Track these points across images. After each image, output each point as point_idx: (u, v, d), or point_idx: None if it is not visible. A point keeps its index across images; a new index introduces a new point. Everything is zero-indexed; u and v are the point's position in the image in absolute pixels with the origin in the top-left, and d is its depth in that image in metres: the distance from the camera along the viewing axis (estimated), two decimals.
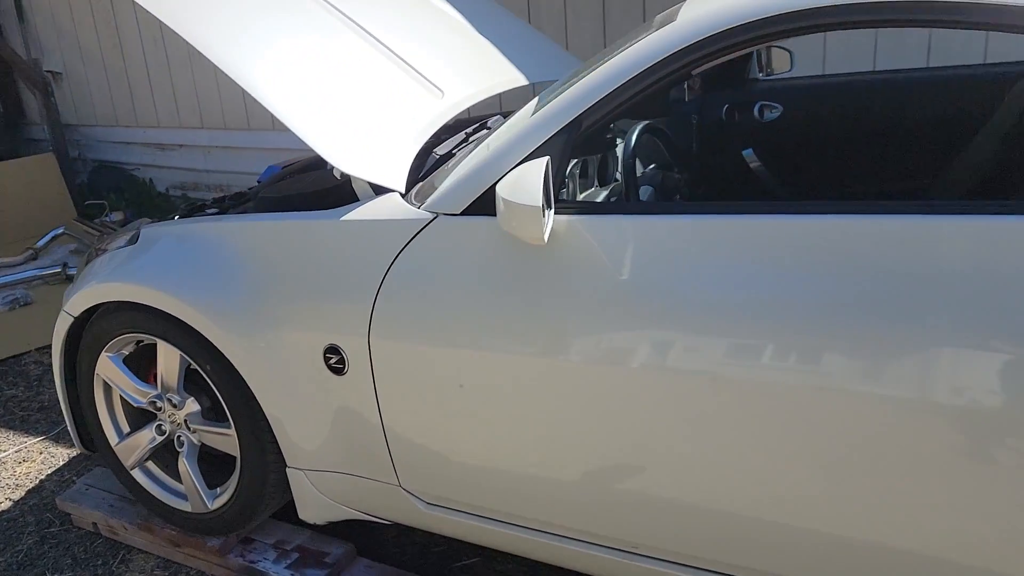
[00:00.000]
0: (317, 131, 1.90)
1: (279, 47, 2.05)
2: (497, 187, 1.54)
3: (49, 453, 3.06)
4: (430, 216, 1.75)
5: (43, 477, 2.92)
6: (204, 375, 2.09)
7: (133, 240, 2.24)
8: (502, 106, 4.05)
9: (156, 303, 2.04)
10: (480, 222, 1.68)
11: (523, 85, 2.62)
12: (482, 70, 2.54)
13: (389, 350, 1.79)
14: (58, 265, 4.81)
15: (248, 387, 2.03)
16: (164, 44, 5.92)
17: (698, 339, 1.45)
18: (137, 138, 6.42)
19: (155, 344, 2.17)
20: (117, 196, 6.30)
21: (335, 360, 1.88)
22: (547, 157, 1.55)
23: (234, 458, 2.16)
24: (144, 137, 6.38)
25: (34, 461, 3.02)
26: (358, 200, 1.92)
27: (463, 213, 1.71)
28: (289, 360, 1.94)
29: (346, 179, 2.12)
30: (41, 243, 5.28)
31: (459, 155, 2.14)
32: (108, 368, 2.27)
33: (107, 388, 2.34)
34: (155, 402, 2.26)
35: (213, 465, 2.30)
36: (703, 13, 1.53)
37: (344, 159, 1.88)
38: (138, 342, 2.25)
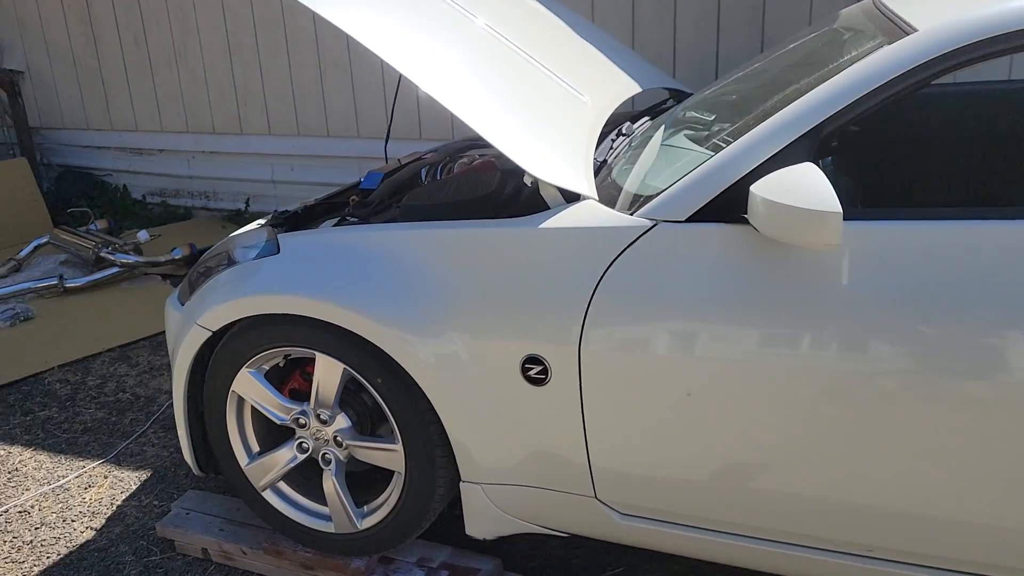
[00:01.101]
0: (508, 139, 1.87)
1: (455, 59, 2.01)
2: (758, 191, 1.54)
3: (115, 477, 2.88)
4: (648, 223, 1.74)
5: (119, 503, 2.74)
6: (373, 389, 2.01)
7: (270, 250, 2.14)
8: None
9: (325, 315, 1.96)
10: (711, 229, 1.69)
11: (637, 92, 2.64)
12: (605, 78, 2.54)
13: (603, 360, 1.77)
14: (53, 277, 4.53)
15: (423, 400, 1.97)
16: (146, 44, 5.66)
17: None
18: (111, 142, 6.10)
19: (294, 359, 2.08)
20: (87, 203, 5.97)
21: (536, 371, 1.84)
22: (808, 162, 1.56)
23: (379, 475, 2.08)
24: (119, 141, 6.06)
25: (101, 486, 2.83)
26: (547, 208, 1.89)
27: (688, 220, 1.71)
28: (480, 372, 1.89)
29: (505, 185, 2.09)
30: (23, 253, 4.96)
31: (613, 161, 2.13)
32: (248, 385, 2.16)
33: (239, 406, 2.23)
34: (298, 419, 2.16)
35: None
36: (957, 21, 1.56)
37: (538, 166, 1.86)
38: (286, 356, 2.15)
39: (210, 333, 2.14)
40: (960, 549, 1.62)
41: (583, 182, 1.91)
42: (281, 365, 2.20)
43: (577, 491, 1.92)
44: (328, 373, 2.06)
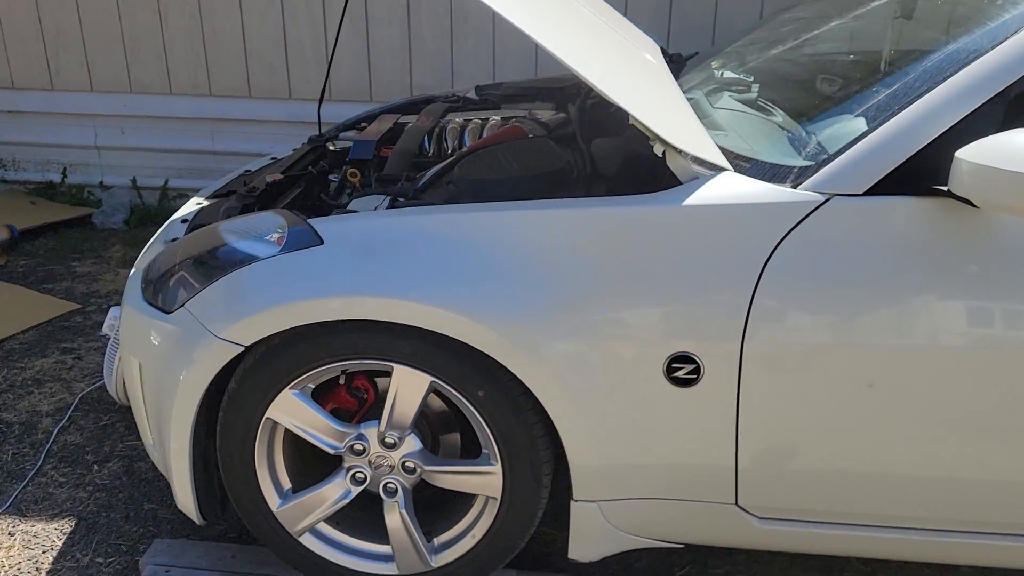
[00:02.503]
0: (638, 106, 1.60)
1: (580, 37, 1.70)
2: (975, 158, 1.40)
3: (25, 533, 2.23)
4: (819, 197, 1.56)
5: (48, 567, 2.12)
6: (470, 404, 1.66)
7: (304, 241, 1.69)
8: None
9: (413, 319, 1.58)
10: (898, 202, 1.53)
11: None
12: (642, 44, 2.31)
13: (770, 354, 1.57)
14: None
15: (531, 413, 1.66)
16: None
17: None
18: None
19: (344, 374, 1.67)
20: None
21: (686, 370, 1.60)
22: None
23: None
24: None
25: (11, 547, 2.18)
26: (679, 183, 1.64)
27: (866, 193, 1.55)
28: (613, 376, 1.62)
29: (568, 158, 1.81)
30: None
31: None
32: (291, 409, 1.71)
33: (271, 436, 1.77)
34: (354, 445, 1.75)
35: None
36: None
37: (675, 135, 1.61)
38: (344, 371, 1.72)
39: (242, 348, 1.66)
40: None
41: (716, 152, 1.68)
42: (341, 382, 1.77)
43: (716, 499, 1.72)
44: (409, 388, 1.67)
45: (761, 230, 1.56)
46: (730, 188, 1.60)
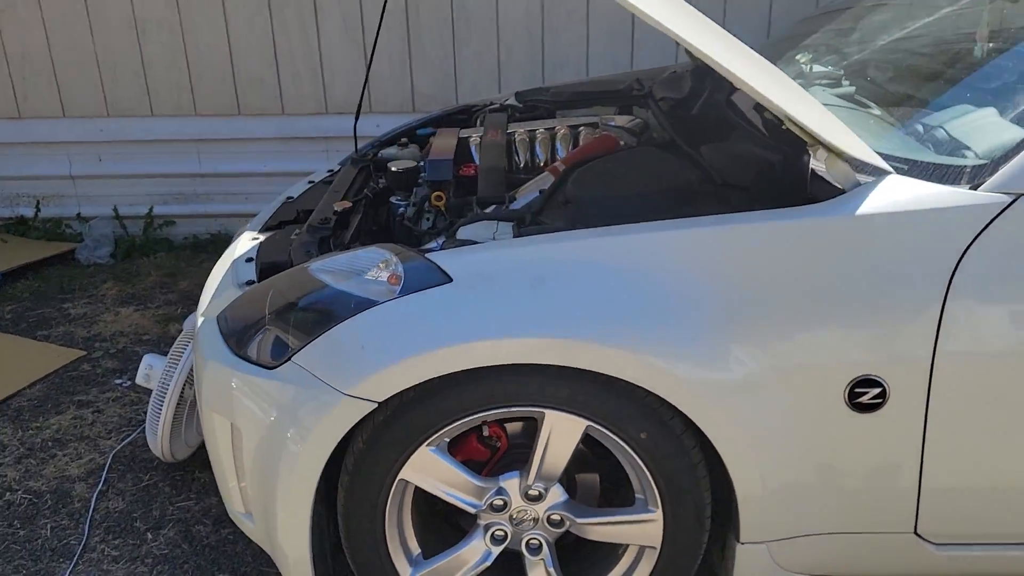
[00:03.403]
0: (800, 112, 1.46)
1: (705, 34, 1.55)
2: None
3: None
4: (1005, 199, 1.44)
5: None
6: (629, 447, 1.50)
7: (427, 279, 1.50)
8: None
9: (573, 359, 1.41)
10: None
11: None
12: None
13: (961, 370, 1.45)
14: None
15: (695, 452, 1.51)
16: None
17: None
18: None
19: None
20: None
21: (871, 395, 1.47)
22: None
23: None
24: None
25: None
26: (841, 191, 1.51)
27: None
28: (788, 406, 1.48)
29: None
30: None
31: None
32: (429, 467, 1.52)
33: (402, 497, 1.57)
34: (493, 500, 1.57)
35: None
36: None
37: (851, 145, 1.48)
38: (484, 422, 1.54)
39: (375, 405, 1.46)
40: None
41: (873, 154, 1.55)
42: (486, 434, 1.58)
43: (896, 529, 1.59)
44: (562, 435, 1.50)
45: (947, 237, 1.44)
46: (905, 193, 1.47)
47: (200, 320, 1.82)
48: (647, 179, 1.69)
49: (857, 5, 2.43)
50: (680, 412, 1.49)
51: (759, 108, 1.87)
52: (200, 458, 2.44)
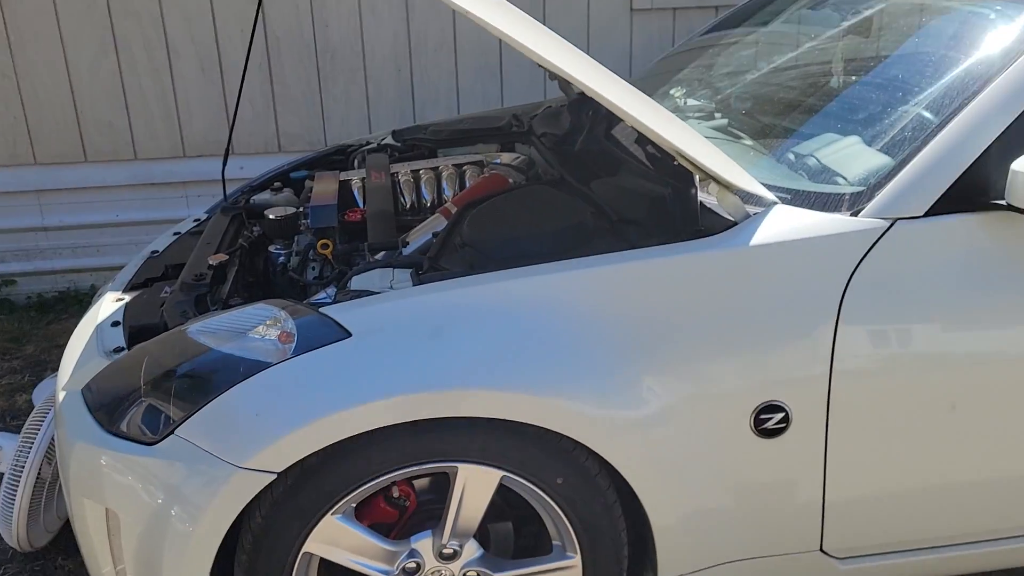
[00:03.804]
0: (690, 146, 1.49)
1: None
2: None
3: None
4: (883, 223, 1.51)
5: None
6: (545, 494, 1.46)
7: (322, 335, 1.41)
8: None
9: (485, 409, 1.36)
10: (959, 221, 1.51)
11: None
12: None
13: (855, 389, 1.50)
14: None
15: (610, 492, 1.49)
16: None
17: None
18: None
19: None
20: None
21: (775, 420, 1.49)
22: None
23: None
24: None
25: None
26: (733, 222, 1.54)
27: (926, 215, 1.52)
28: (698, 437, 1.48)
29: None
30: None
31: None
32: (336, 536, 1.42)
33: (306, 574, 1.46)
34: (406, 564, 1.48)
35: None
36: None
37: (739, 177, 1.52)
38: (394, 483, 1.45)
39: (274, 476, 1.35)
40: None
41: (758, 184, 1.59)
42: (395, 494, 1.49)
43: (803, 548, 1.62)
44: (477, 488, 1.44)
45: (834, 262, 1.49)
46: (793, 222, 1.51)
47: (61, 394, 1.64)
48: (543, 218, 1.67)
49: (720, 41, 2.53)
50: (594, 453, 1.46)
51: (641, 141, 1.89)
52: (63, 543, 2.20)
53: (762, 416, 1.49)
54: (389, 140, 2.59)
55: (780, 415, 1.49)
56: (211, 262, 1.88)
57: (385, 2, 3.70)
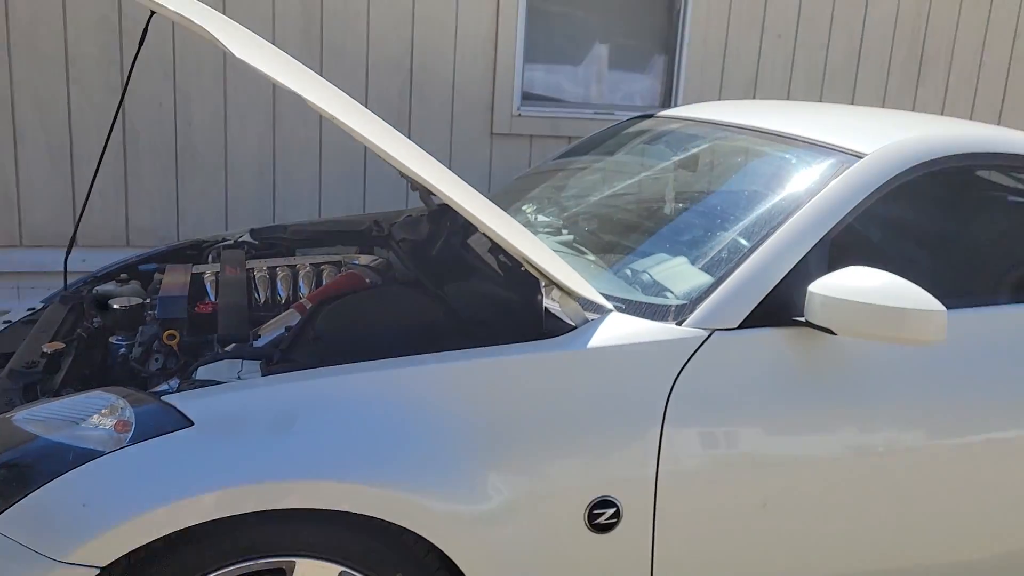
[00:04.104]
0: (537, 254, 1.62)
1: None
2: (832, 292, 1.61)
3: None
4: (704, 333, 1.67)
5: None
6: None
7: (163, 423, 1.40)
8: None
9: (325, 501, 1.36)
10: (768, 334, 1.70)
11: None
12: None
13: (678, 486, 1.61)
14: None
15: None
16: None
17: None
18: None
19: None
20: None
21: (607, 515, 1.58)
22: (861, 266, 1.68)
23: None
24: None
25: None
26: (573, 326, 1.66)
27: (740, 327, 1.69)
28: (533, 533, 1.53)
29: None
30: None
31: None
32: None
33: None
34: None
35: None
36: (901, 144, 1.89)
37: (580, 286, 1.65)
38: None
39: (97, 572, 1.28)
40: None
41: (597, 293, 1.73)
42: None
43: None
44: None
45: (661, 366, 1.63)
46: (626, 328, 1.65)
47: None
48: (396, 316, 1.73)
49: (569, 166, 2.75)
50: (435, 547, 1.48)
51: (494, 250, 2.02)
52: None
53: (595, 511, 1.57)
54: (247, 237, 2.61)
55: (612, 510, 1.58)
56: (45, 350, 1.81)
57: (251, 106, 3.77)
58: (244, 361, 1.63)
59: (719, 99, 4.37)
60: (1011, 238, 2.09)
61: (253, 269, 2.22)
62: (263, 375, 1.55)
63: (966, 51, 4.58)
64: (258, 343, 1.81)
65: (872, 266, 1.73)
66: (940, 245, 2.03)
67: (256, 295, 2.11)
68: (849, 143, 1.96)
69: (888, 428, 1.73)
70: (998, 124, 4.71)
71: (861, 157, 1.89)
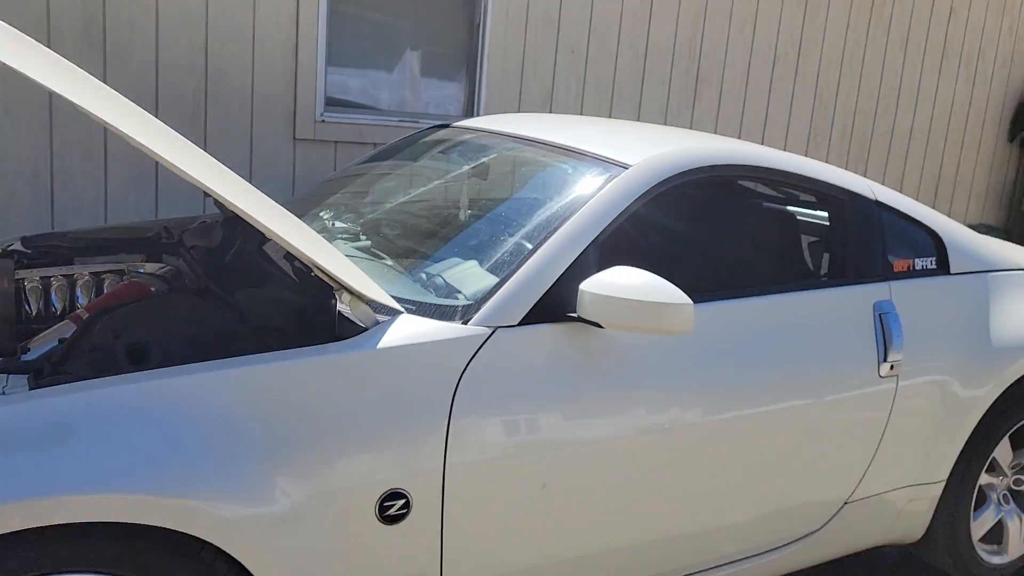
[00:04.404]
0: (326, 259, 1.66)
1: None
2: (600, 290, 1.77)
3: None
4: (487, 331, 1.78)
5: None
6: None
7: None
8: None
9: (117, 513, 1.34)
10: (546, 329, 1.84)
11: None
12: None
13: (466, 476, 1.71)
14: None
15: None
16: None
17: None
18: None
19: None
20: None
21: (396, 507, 1.65)
22: (625, 266, 1.85)
23: None
24: None
25: None
26: (363, 328, 1.72)
27: (520, 324, 1.82)
28: (327, 528, 1.58)
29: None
30: None
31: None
32: None
33: None
34: None
35: None
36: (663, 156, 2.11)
37: (370, 290, 1.71)
38: None
39: None
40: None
41: (387, 296, 1.80)
42: None
43: None
44: None
45: (447, 364, 1.73)
46: (414, 329, 1.73)
47: None
48: (182, 323, 1.71)
49: (369, 172, 2.81)
50: (223, 553, 1.49)
51: (289, 257, 2.03)
52: None
53: (386, 503, 1.64)
54: (17, 246, 2.44)
55: (402, 501, 1.66)
56: None
57: (24, 103, 3.50)
58: (10, 376, 1.55)
59: (519, 110, 4.58)
60: (752, 239, 2.38)
61: (24, 279, 2.09)
62: (31, 389, 1.49)
63: (734, 73, 5.09)
64: (26, 356, 1.72)
65: (637, 265, 1.93)
66: (694, 245, 2.28)
67: (27, 307, 1.99)
68: (617, 155, 2.16)
69: (651, 410, 1.93)
70: (762, 139, 5.27)
71: (627, 168, 2.09)
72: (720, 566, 2.17)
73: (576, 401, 1.84)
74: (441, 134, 2.82)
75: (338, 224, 2.43)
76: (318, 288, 1.81)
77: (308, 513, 1.56)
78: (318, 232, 2.35)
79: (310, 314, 1.81)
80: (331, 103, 4.10)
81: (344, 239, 2.34)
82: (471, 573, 1.79)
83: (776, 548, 2.25)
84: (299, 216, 2.54)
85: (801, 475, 2.18)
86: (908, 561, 2.81)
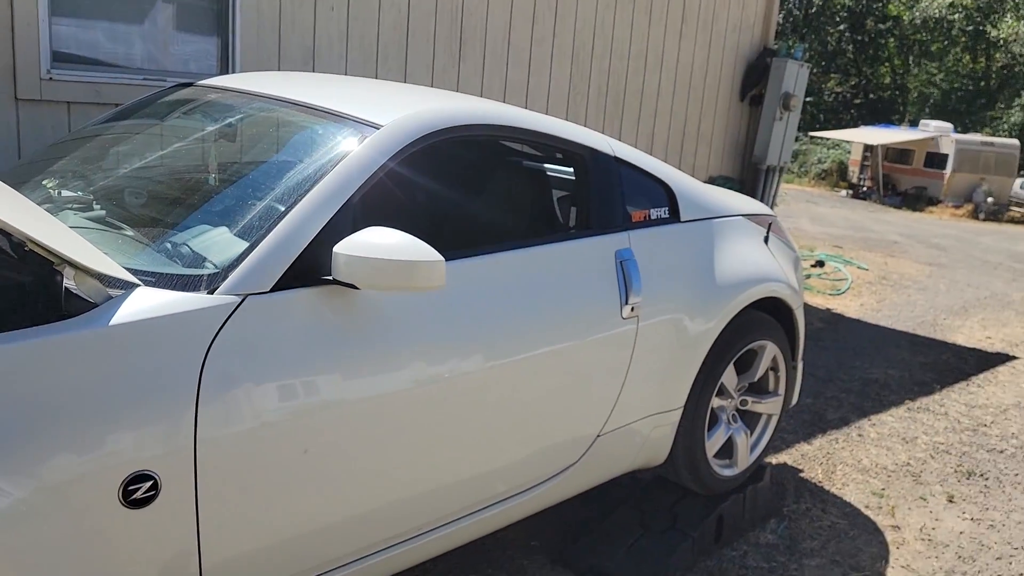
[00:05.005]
0: (42, 233, 1.52)
1: None
2: (353, 251, 1.76)
3: None
4: (235, 299, 1.72)
5: None
6: None
7: None
8: None
9: None
10: (298, 295, 1.80)
11: None
12: None
13: (220, 451, 1.65)
14: None
15: None
16: None
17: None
18: None
19: None
20: None
21: (143, 490, 1.56)
22: (380, 227, 1.84)
23: None
24: None
25: None
26: (94, 304, 1.60)
27: (273, 290, 1.77)
28: (66, 522, 1.47)
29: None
30: None
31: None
32: None
33: None
34: None
35: None
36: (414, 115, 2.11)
37: (97, 262, 1.59)
38: None
39: None
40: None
41: (120, 269, 1.68)
42: None
43: None
44: None
45: (192, 336, 1.65)
46: (152, 302, 1.64)
47: None
48: None
49: (102, 135, 2.57)
50: None
51: (3, 233, 1.83)
52: None
53: (130, 487, 1.55)
54: None
55: (149, 483, 1.57)
56: None
57: None
58: None
59: (278, 68, 4.39)
60: (505, 195, 2.48)
61: None
62: None
63: (496, 33, 5.20)
64: None
65: (393, 225, 1.94)
66: (449, 203, 2.33)
67: None
68: (369, 115, 2.15)
69: (411, 366, 1.97)
70: (525, 99, 5.45)
71: (378, 128, 2.08)
72: (490, 506, 2.28)
73: (336, 363, 1.84)
74: (185, 93, 2.65)
75: (65, 193, 2.22)
76: (38, 264, 1.65)
77: (36, 509, 1.44)
78: (40, 203, 2.14)
79: (32, 293, 1.65)
80: (60, 58, 3.70)
81: (74, 209, 2.15)
82: (233, 548, 1.75)
83: (540, 483, 2.39)
84: (18, 185, 2.29)
85: (558, 414, 2.33)
86: (658, 481, 3.12)
